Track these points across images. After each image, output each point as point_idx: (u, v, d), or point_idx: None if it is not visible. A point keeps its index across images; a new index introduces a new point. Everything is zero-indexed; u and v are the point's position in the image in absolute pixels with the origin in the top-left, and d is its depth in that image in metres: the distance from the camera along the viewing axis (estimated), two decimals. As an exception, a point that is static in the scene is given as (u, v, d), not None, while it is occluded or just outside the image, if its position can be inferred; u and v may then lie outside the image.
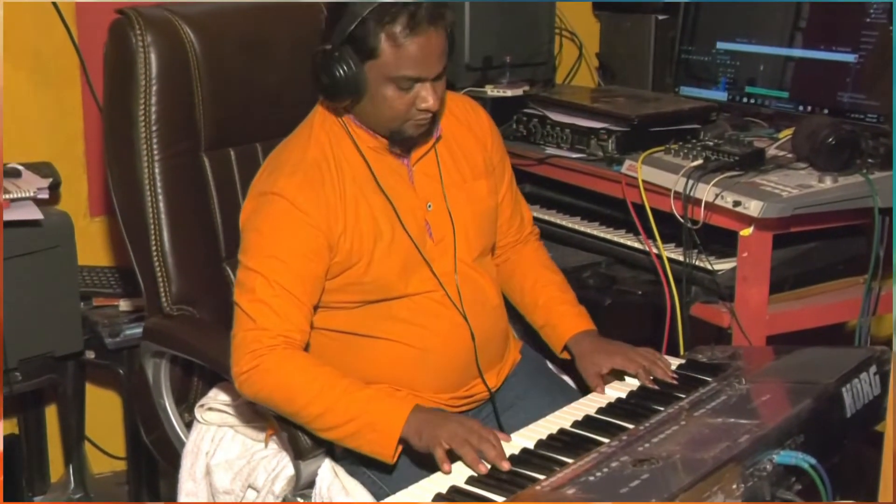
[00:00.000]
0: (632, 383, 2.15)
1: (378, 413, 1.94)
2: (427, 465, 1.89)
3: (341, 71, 1.98)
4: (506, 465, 1.81)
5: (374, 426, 1.94)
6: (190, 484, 2.21)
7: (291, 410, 1.99)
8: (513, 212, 2.36)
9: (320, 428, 1.98)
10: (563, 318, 2.29)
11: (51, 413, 3.07)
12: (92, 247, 3.07)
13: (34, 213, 2.53)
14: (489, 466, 1.82)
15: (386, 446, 1.93)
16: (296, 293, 2.02)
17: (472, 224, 2.20)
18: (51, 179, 2.74)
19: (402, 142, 2.10)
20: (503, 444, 1.88)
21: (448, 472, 1.81)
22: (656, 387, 2.10)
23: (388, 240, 2.09)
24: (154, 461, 2.93)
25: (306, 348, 2.07)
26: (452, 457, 1.86)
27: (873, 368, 2.05)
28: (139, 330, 2.63)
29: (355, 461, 2.04)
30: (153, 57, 2.24)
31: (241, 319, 2.02)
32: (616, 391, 2.11)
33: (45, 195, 2.63)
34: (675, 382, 2.10)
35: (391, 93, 2.00)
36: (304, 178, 2.05)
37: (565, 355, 2.29)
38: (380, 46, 1.96)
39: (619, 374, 2.19)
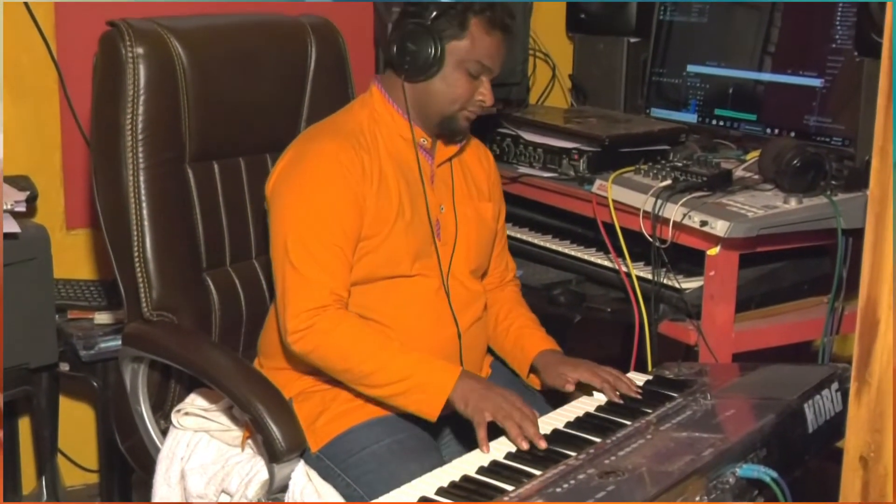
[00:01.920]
0: (600, 398, 2.18)
1: (428, 375, 2.06)
2: (397, 471, 1.94)
3: (431, 45, 2.15)
4: (543, 444, 1.92)
5: (423, 387, 2.05)
6: (164, 489, 2.23)
7: (343, 367, 2.10)
8: (500, 253, 2.47)
9: (369, 384, 2.09)
10: (531, 339, 2.36)
11: (24, 425, 3.08)
12: (68, 260, 3.07)
13: (11, 226, 2.54)
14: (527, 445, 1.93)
15: (433, 406, 2.05)
16: (342, 246, 2.13)
17: (474, 238, 2.32)
18: (28, 192, 2.75)
19: (448, 132, 2.25)
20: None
21: (487, 453, 1.93)
22: (621, 401, 2.14)
23: (408, 219, 2.19)
24: (127, 474, 2.93)
25: None
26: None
27: (835, 385, 2.10)
28: (114, 343, 2.66)
29: (331, 463, 2.09)
30: (142, 68, 2.27)
31: (292, 276, 2.11)
32: (584, 405, 2.15)
33: (22, 208, 2.64)
34: (639, 397, 2.15)
35: (460, 76, 2.18)
36: (343, 140, 2.18)
37: (533, 380, 2.33)
38: (469, 29, 2.14)
39: (585, 390, 2.22)
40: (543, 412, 2.15)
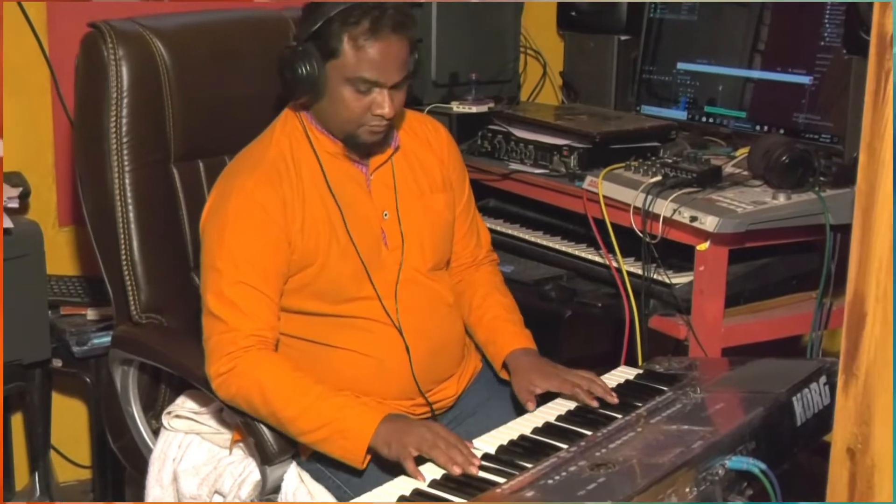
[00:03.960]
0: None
1: (349, 421, 1.99)
2: (392, 469, 1.93)
3: (303, 68, 2.06)
4: (474, 470, 1.85)
5: (344, 434, 1.98)
6: (157, 490, 2.24)
7: (266, 412, 2.03)
8: (468, 230, 2.39)
9: (294, 432, 2.03)
10: (504, 334, 2.30)
11: (16, 421, 3.08)
12: (60, 256, 3.08)
13: (4, 222, 2.55)
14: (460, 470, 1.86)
15: (356, 453, 1.98)
16: (262, 290, 2.07)
17: (427, 235, 2.25)
18: (20, 189, 2.76)
19: (358, 147, 2.16)
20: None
21: (422, 482, 1.85)
22: (596, 404, 2.10)
23: (342, 243, 2.14)
24: (120, 470, 2.94)
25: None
26: (422, 459, 1.90)
27: (823, 379, 2.11)
28: (106, 339, 2.66)
29: (322, 465, 2.08)
30: (124, 70, 2.27)
31: (212, 322, 2.07)
32: (571, 402, 2.15)
33: (14, 204, 2.66)
34: (614, 401, 2.11)
35: (348, 94, 2.07)
36: (262, 176, 2.11)
37: (504, 374, 2.28)
38: (341, 47, 2.03)
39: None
40: (518, 411, 2.16)
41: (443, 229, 2.30)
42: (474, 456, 1.89)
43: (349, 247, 2.14)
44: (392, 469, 1.94)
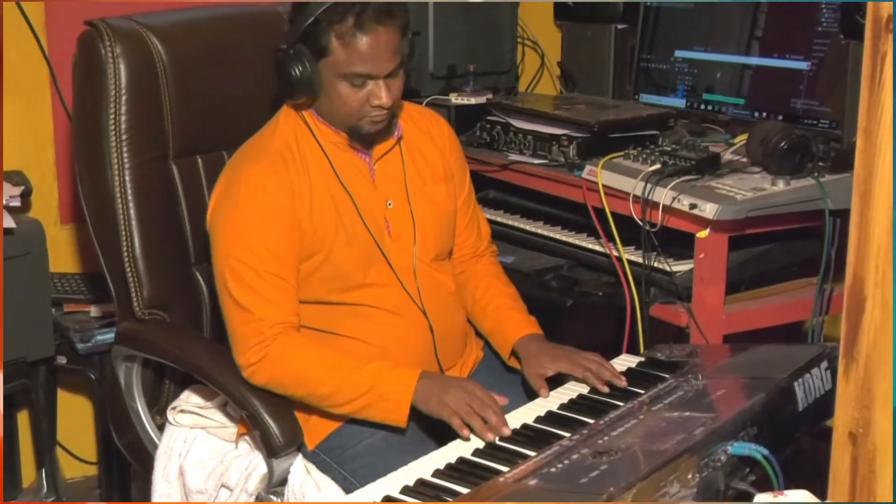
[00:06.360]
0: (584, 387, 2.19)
1: (389, 384, 2.05)
2: (396, 460, 1.94)
3: (297, 69, 2.08)
4: (507, 431, 1.93)
5: (385, 396, 2.05)
6: (163, 485, 2.25)
7: (303, 393, 2.08)
8: (469, 222, 2.42)
9: (333, 405, 2.08)
10: (511, 322, 2.33)
11: (22, 418, 3.09)
12: (63, 254, 3.09)
13: (7, 221, 2.56)
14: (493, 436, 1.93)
15: (399, 413, 2.04)
16: (282, 275, 2.10)
17: (430, 225, 2.27)
18: (22, 187, 2.77)
19: (361, 138, 2.18)
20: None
21: (467, 439, 1.95)
22: (607, 388, 2.13)
23: (349, 231, 2.16)
24: (125, 465, 2.95)
25: None
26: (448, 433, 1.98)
27: (825, 364, 2.11)
28: (110, 335, 2.67)
29: (328, 456, 2.11)
30: (122, 68, 2.27)
31: (236, 312, 2.10)
32: (577, 388, 2.16)
33: (16, 203, 2.66)
34: (624, 384, 2.14)
35: (345, 90, 2.09)
36: (268, 164, 2.13)
37: (513, 362, 2.31)
38: (330, 45, 2.05)
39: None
40: (535, 396, 2.17)
41: (445, 219, 2.32)
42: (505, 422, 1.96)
43: (355, 235, 2.17)
44: (396, 461, 1.94)
